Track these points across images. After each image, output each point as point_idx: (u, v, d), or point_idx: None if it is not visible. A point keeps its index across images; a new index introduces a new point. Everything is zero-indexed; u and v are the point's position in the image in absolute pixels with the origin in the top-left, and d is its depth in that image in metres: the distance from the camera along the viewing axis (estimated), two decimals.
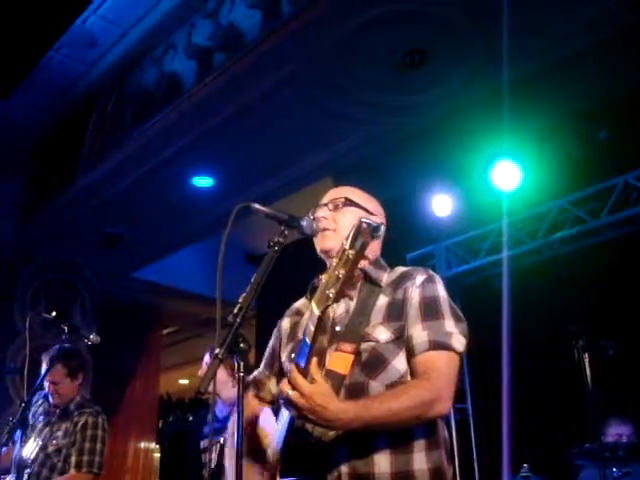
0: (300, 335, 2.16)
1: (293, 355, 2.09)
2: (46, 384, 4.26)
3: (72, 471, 4.08)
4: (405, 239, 6.73)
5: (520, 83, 5.26)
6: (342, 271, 1.86)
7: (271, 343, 2.47)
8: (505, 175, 6.27)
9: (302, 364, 1.89)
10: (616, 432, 4.89)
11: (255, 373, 2.44)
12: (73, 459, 4.10)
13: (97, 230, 7.66)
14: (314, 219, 2.26)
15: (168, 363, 11.86)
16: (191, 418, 11.78)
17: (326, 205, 2.34)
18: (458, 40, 5.01)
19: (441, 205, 6.89)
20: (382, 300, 2.19)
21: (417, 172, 6.84)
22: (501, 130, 5.52)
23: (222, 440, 4.30)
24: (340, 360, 2.07)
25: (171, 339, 11.75)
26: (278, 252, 2.09)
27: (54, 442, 4.17)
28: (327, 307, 1.86)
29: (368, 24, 4.84)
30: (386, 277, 2.27)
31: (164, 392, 12.95)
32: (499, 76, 4.98)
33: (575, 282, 6.36)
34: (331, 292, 1.85)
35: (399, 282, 2.22)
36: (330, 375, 2.03)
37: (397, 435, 2.01)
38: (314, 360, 1.91)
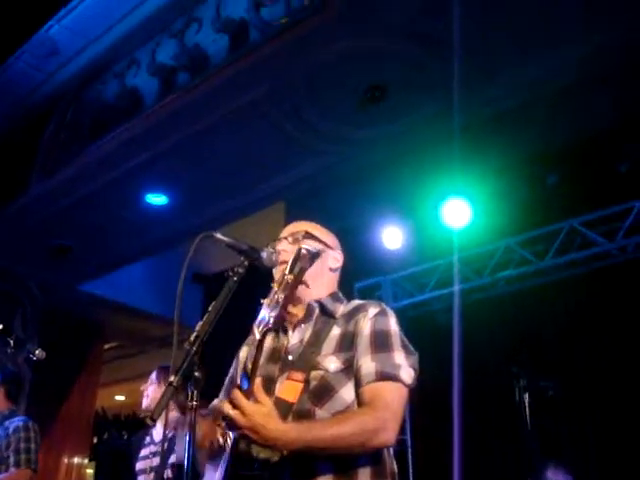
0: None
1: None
2: None
3: (12, 469, 4.39)
4: (354, 269, 6.78)
5: (474, 125, 5.40)
6: (282, 295, 1.90)
7: (230, 372, 2.48)
8: (455, 212, 6.40)
9: (245, 385, 1.91)
10: (551, 478, 4.96)
11: (215, 401, 2.43)
12: (12, 459, 4.40)
13: (45, 240, 7.52)
14: (274, 252, 2.28)
15: (106, 378, 11.65)
16: (126, 436, 11.58)
17: (285, 238, 2.39)
18: (418, 80, 5.12)
19: (391, 238, 7.00)
20: (335, 331, 2.22)
21: (369, 204, 6.93)
22: (454, 169, 5.64)
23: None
24: (290, 388, 2.08)
25: (111, 354, 11.55)
26: (237, 282, 2.11)
27: None
28: (267, 331, 1.88)
29: (332, 58, 4.93)
30: (342, 309, 2.31)
31: (99, 407, 12.70)
32: (454, 117, 5.10)
33: (518, 321, 6.49)
34: (271, 316, 1.88)
35: (352, 314, 2.25)
36: (279, 403, 2.04)
37: (341, 461, 2.00)
38: (257, 380, 1.94)
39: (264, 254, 2.20)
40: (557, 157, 6.24)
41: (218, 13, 5.34)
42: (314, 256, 2.11)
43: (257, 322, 1.91)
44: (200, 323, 1.99)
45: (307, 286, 2.25)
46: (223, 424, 1.97)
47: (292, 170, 6.28)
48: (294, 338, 2.25)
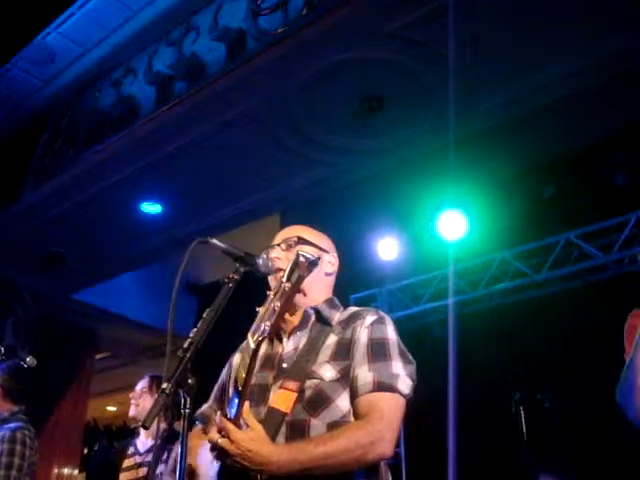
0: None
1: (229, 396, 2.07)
2: None
3: None
4: (350, 280, 6.76)
5: (470, 137, 5.40)
6: (278, 304, 1.85)
7: (221, 377, 2.44)
8: (451, 224, 6.38)
9: (233, 409, 1.87)
10: None
11: (203, 407, 2.39)
12: None
13: (38, 248, 7.49)
14: (268, 260, 2.25)
15: (97, 389, 11.58)
16: (117, 447, 11.47)
17: (279, 245, 2.35)
18: (415, 91, 5.14)
19: (387, 249, 6.98)
20: (331, 339, 2.18)
21: (365, 215, 6.91)
22: (450, 181, 5.63)
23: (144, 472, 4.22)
24: (283, 397, 2.04)
25: (103, 364, 11.49)
26: (232, 289, 2.08)
27: None
28: (262, 340, 1.83)
29: (329, 68, 4.93)
30: (338, 316, 2.27)
31: (90, 418, 12.61)
32: (450, 129, 5.10)
33: (514, 334, 6.47)
34: (267, 324, 1.83)
35: (349, 321, 2.21)
36: (272, 413, 2.02)
37: (336, 478, 1.95)
38: (246, 404, 1.90)
39: (260, 261, 2.17)
40: (553, 169, 6.24)
41: (216, 22, 5.33)
42: (312, 263, 2.06)
43: (252, 330, 1.87)
44: (194, 330, 1.96)
45: (304, 294, 2.23)
46: (213, 453, 1.92)
47: (287, 180, 6.27)
48: (289, 346, 2.21)
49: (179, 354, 1.90)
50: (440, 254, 6.56)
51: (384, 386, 2.04)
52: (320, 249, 2.37)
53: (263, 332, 1.83)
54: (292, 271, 1.90)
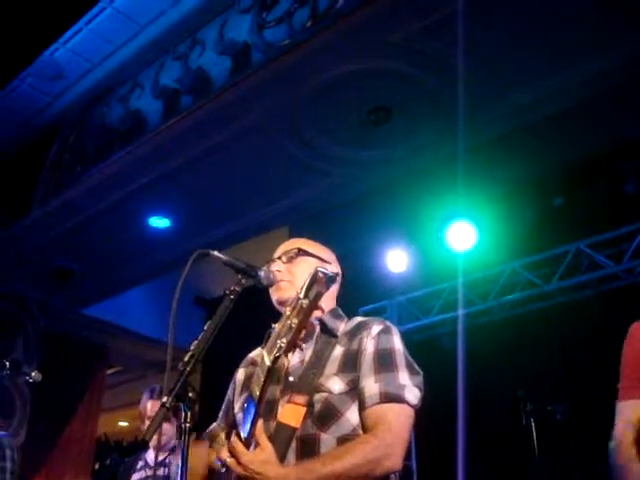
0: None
1: (240, 414, 2.04)
2: None
3: None
4: (359, 292, 6.74)
5: (479, 147, 5.38)
6: (295, 320, 1.83)
7: (227, 395, 2.42)
8: (460, 235, 6.36)
9: (247, 427, 1.85)
10: None
11: (212, 425, 2.36)
12: None
13: (47, 262, 7.51)
14: (269, 272, 2.24)
15: (109, 404, 11.56)
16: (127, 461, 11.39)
17: (279, 258, 2.34)
18: (423, 102, 5.12)
19: (396, 261, 6.95)
20: (337, 350, 2.16)
21: (374, 227, 6.90)
22: (458, 191, 5.60)
23: None
24: (292, 412, 2.02)
25: (114, 379, 11.47)
26: (234, 301, 2.07)
27: None
28: (278, 357, 1.81)
29: (335, 79, 4.92)
30: (343, 327, 2.25)
31: (102, 433, 12.57)
32: (458, 139, 5.08)
33: (524, 345, 6.42)
34: (283, 342, 1.81)
35: (355, 332, 2.19)
36: (281, 428, 1.99)
37: None
38: (260, 422, 1.88)
39: (261, 273, 2.16)
40: (563, 179, 6.20)
41: (221, 35, 5.35)
42: (330, 279, 2.01)
43: (267, 347, 1.85)
44: (195, 342, 1.94)
45: (322, 311, 2.21)
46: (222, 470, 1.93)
47: (295, 192, 6.26)
48: (294, 358, 2.19)
49: (180, 367, 1.88)
50: (449, 265, 6.54)
51: (391, 397, 2.02)
52: (321, 260, 2.36)
53: (280, 349, 1.81)
54: (310, 287, 1.87)
